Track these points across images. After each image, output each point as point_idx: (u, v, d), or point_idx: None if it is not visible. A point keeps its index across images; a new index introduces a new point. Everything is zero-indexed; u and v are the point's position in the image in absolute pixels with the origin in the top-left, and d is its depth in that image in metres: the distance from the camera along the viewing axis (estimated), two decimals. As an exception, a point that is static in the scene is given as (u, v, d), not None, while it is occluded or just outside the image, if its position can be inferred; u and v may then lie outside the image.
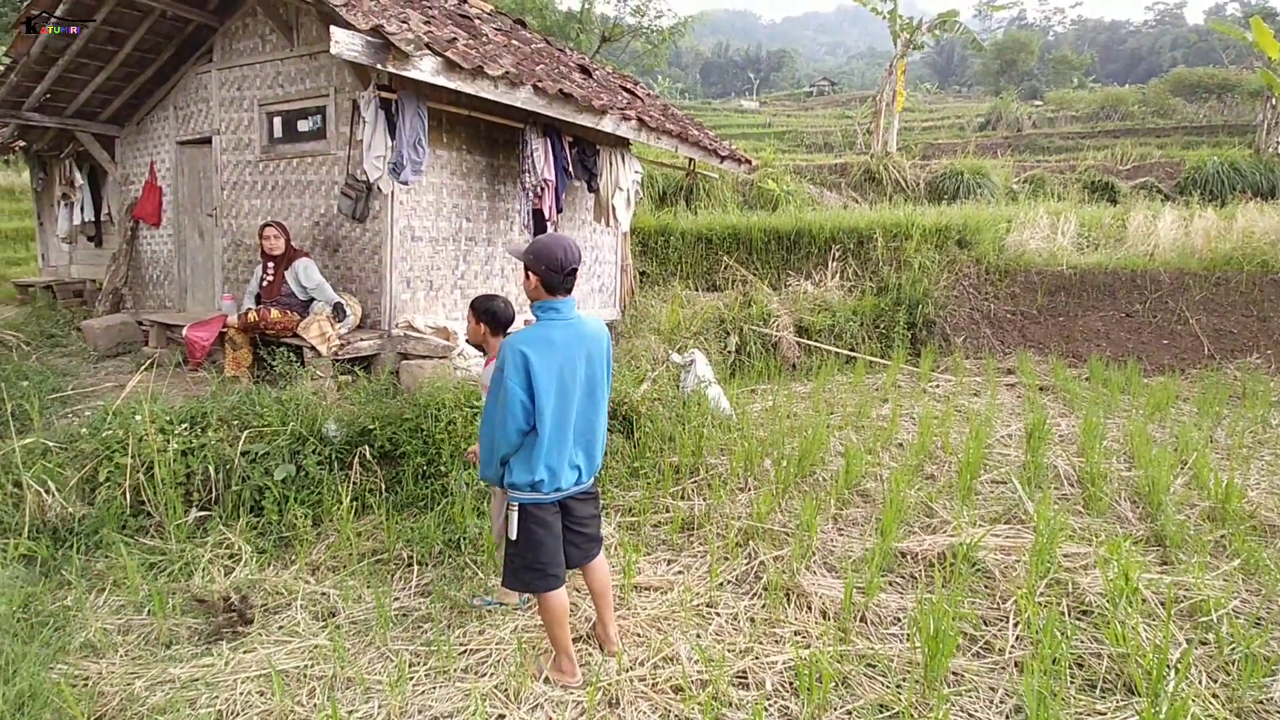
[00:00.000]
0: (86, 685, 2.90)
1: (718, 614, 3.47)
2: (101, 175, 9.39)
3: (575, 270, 2.74)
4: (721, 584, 3.77)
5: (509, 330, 3.39)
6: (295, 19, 6.44)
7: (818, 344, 8.87)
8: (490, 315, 3.42)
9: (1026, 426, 5.93)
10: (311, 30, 6.33)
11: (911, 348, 9.38)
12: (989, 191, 15.09)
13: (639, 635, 3.29)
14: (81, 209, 9.88)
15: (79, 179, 9.75)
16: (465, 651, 3.19)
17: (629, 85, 9.16)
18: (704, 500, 4.77)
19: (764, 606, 3.52)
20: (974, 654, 3.18)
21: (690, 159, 8.95)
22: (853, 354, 8.88)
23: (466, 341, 4.16)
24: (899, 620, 3.42)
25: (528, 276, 2.78)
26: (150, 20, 6.90)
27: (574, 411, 2.77)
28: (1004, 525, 4.40)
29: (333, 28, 4.46)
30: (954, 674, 3.02)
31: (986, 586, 3.73)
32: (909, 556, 4.08)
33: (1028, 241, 10.52)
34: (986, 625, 3.40)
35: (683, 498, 4.87)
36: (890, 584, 3.83)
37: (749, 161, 9.58)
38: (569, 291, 2.78)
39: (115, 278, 8.51)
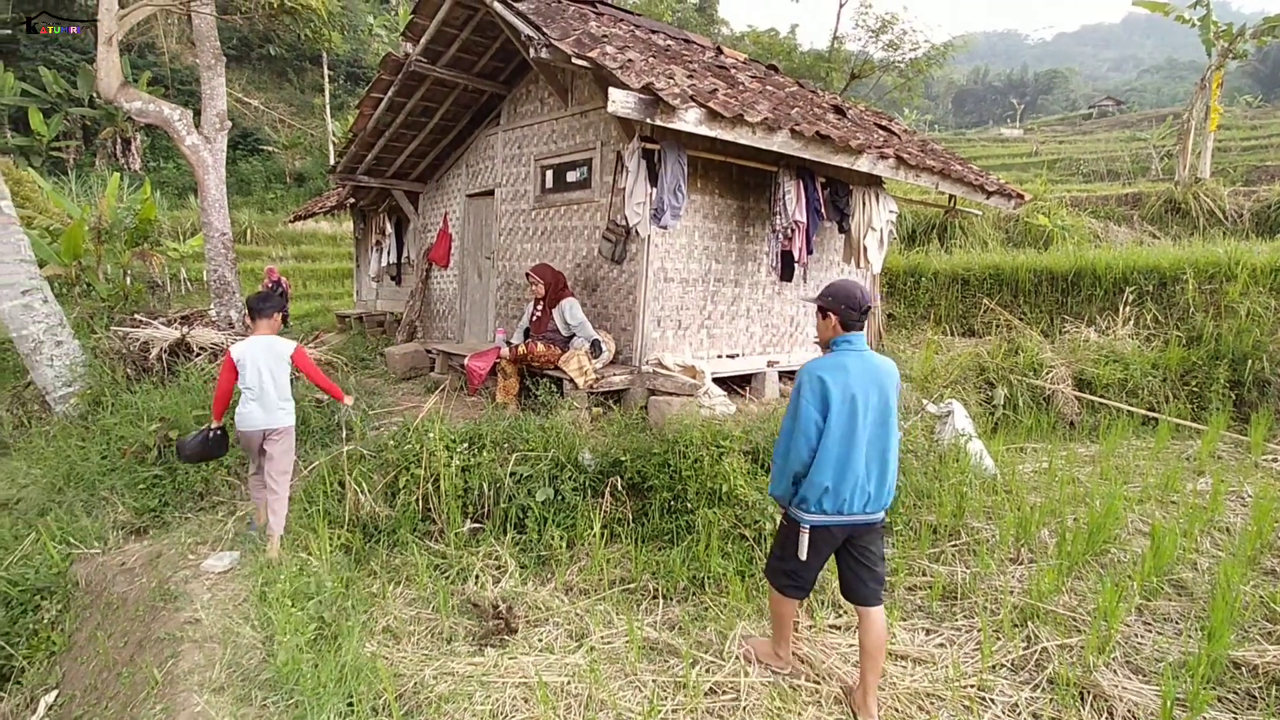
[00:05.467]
0: (389, 665, 3.31)
1: (992, 701, 3.07)
2: (405, 224, 11.12)
3: (869, 308, 2.99)
4: (994, 667, 3.33)
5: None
6: (570, 82, 7.13)
7: (1104, 400, 7.68)
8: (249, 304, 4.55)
9: None
10: (584, 91, 6.96)
11: (1236, 411, 7.74)
12: (1345, 222, 12.19)
13: (897, 710, 3.01)
14: (388, 253, 11.78)
15: (389, 228, 11.66)
16: (711, 691, 3.16)
17: (884, 122, 8.84)
18: (967, 568, 4.30)
19: (1051, 702, 3.04)
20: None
21: (951, 196, 8.35)
22: (1152, 414, 7.55)
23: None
24: (1238, 749, 2.76)
25: (825, 317, 3.04)
26: (454, 94, 8.07)
27: (864, 435, 2.89)
28: (1390, 647, 3.40)
29: (610, 88, 4.84)
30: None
31: (1367, 725, 2.89)
32: (1245, 669, 3.30)
33: None
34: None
35: (941, 561, 4.44)
36: (1221, 700, 3.12)
37: (1020, 196, 8.69)
38: (862, 328, 3.02)
39: (411, 311, 9.96)
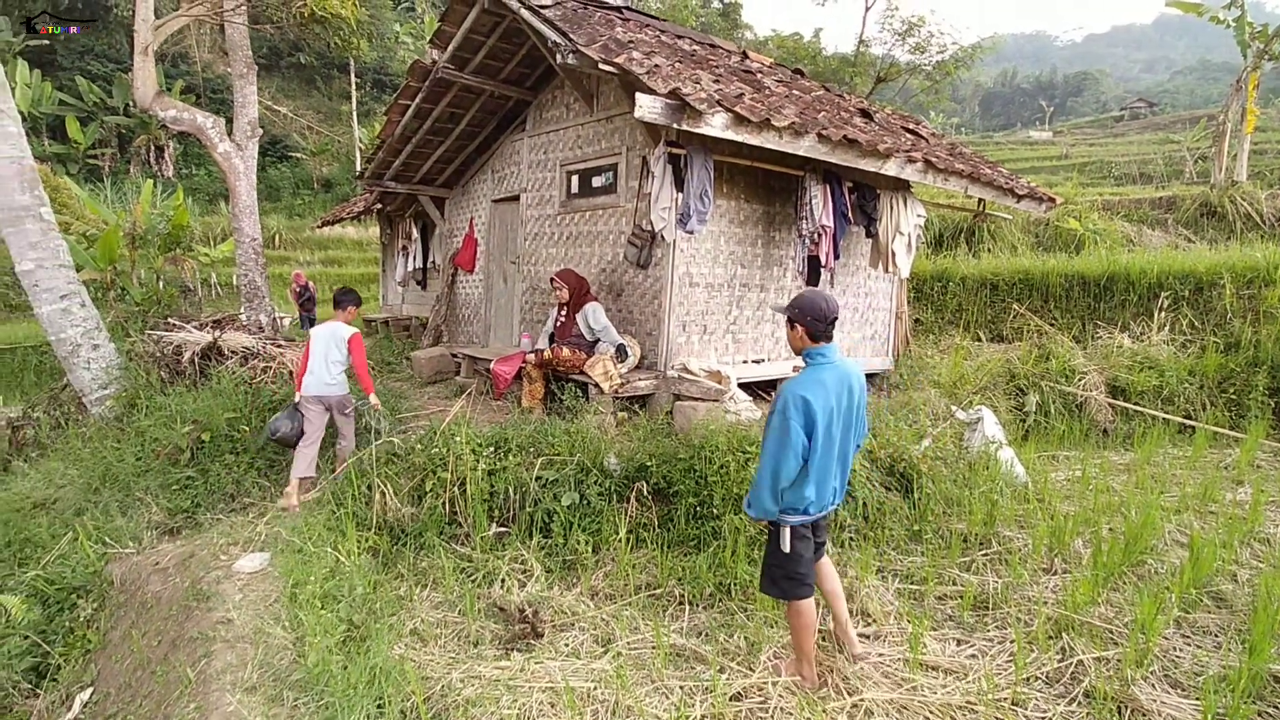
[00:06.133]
0: (417, 668, 3.33)
1: (1026, 715, 3.00)
2: (431, 229, 11.22)
3: (835, 319, 3.08)
4: (1028, 679, 3.27)
5: None
6: (596, 88, 7.15)
7: (1139, 407, 7.52)
8: None
9: None
10: (609, 97, 6.98)
11: (1276, 419, 7.53)
12: (1387, 225, 11.84)
13: (929, 722, 2.96)
14: (414, 258, 11.89)
15: (415, 233, 11.77)
16: (737, 697, 3.14)
17: (911, 126, 8.76)
18: (999, 578, 4.23)
19: (1088, 716, 2.98)
20: None
21: (980, 200, 8.25)
22: (1188, 422, 7.38)
23: None
24: (1284, 768, 2.67)
25: (793, 328, 3.14)
26: (481, 100, 8.13)
27: (838, 440, 3.06)
28: None
29: (637, 94, 4.84)
30: None
31: None
32: (1289, 684, 3.20)
33: None
34: None
35: (972, 571, 4.36)
36: (1262, 715, 3.03)
37: (1051, 200, 8.56)
38: (830, 339, 3.11)
39: (436, 316, 10.03)
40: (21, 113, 6.94)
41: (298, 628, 3.42)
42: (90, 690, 3.68)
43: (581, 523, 4.61)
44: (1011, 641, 3.55)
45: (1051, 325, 9.32)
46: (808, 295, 3.11)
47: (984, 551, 4.56)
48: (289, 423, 5.36)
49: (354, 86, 33.28)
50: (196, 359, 6.91)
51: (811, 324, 3.05)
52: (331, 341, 5.38)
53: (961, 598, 3.99)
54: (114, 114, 28.25)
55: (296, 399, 5.38)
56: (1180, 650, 3.51)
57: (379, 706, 2.92)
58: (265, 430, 5.47)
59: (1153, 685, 3.20)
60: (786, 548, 3.08)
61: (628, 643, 3.62)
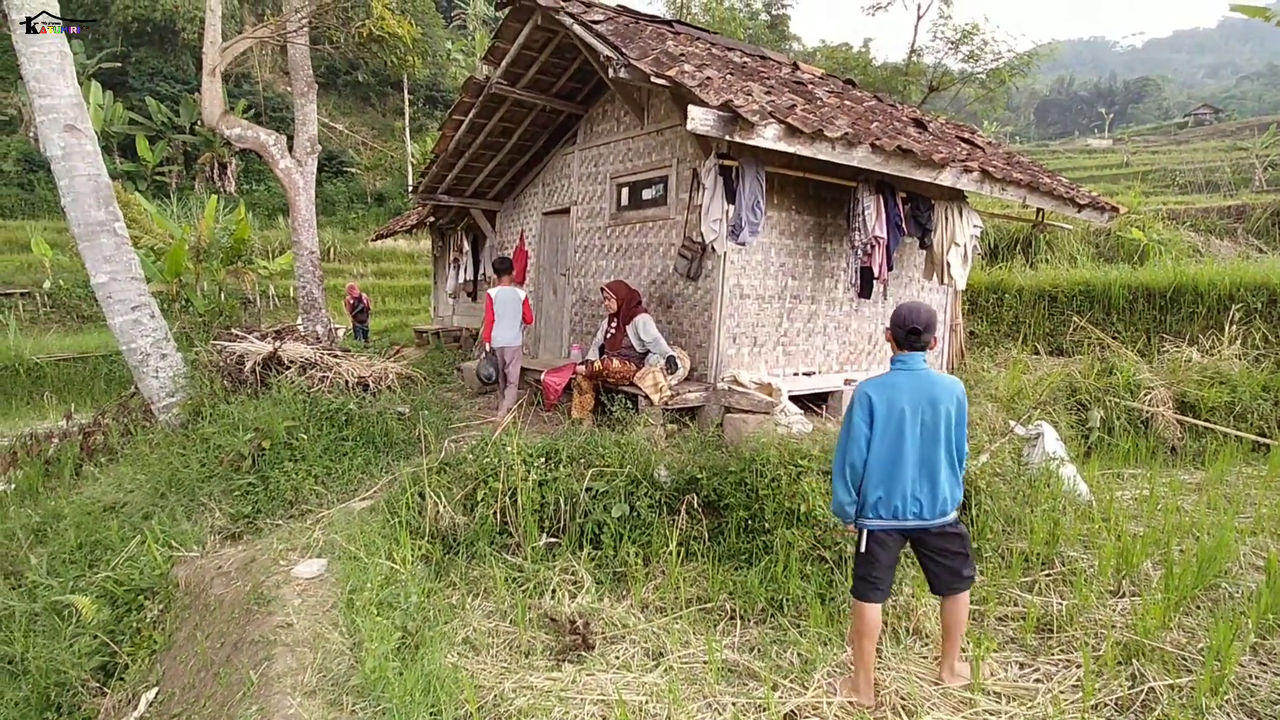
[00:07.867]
0: (469, 676, 3.35)
1: (1097, 745, 2.88)
2: (481, 241, 11.40)
3: (917, 330, 3.14)
4: (1096, 706, 3.13)
5: None
6: (646, 101, 7.20)
7: (1209, 424, 7.19)
8: None
9: None
10: (660, 110, 7.02)
11: (1360, 438, 7.14)
12: None
13: (994, 749, 2.86)
14: (465, 270, 12.09)
15: (466, 246, 11.98)
16: (791, 714, 3.08)
17: (966, 135, 8.58)
18: (1063, 599, 4.07)
19: (1164, 749, 2.84)
20: None
21: (1039, 210, 8.03)
22: (1263, 440, 7.02)
23: None
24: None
25: (887, 335, 3.30)
26: (532, 115, 8.27)
27: (912, 448, 3.07)
28: None
29: (689, 106, 4.85)
30: None
31: None
32: (1379, 718, 3.00)
33: None
34: None
35: (1034, 591, 4.21)
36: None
37: (1115, 209, 8.27)
38: (916, 349, 3.18)
39: (488, 328, 10.17)
40: (95, 132, 7.27)
41: (354, 633, 3.48)
42: (155, 690, 3.79)
43: (631, 534, 4.60)
44: (1078, 666, 3.41)
45: (1114, 338, 8.99)
46: (900, 306, 3.25)
47: (1046, 572, 4.40)
48: (490, 368, 6.94)
49: (407, 103, 34.18)
50: (258, 368, 7.12)
51: (894, 330, 3.20)
52: (511, 302, 6.81)
53: (1024, 619, 3.86)
54: (181, 133, 29.55)
55: (487, 348, 6.95)
56: (1257, 678, 3.32)
57: (434, 714, 2.95)
58: (479, 376, 7.09)
59: (1228, 714, 3.04)
60: (863, 548, 3.18)
61: (679, 657, 3.59)
